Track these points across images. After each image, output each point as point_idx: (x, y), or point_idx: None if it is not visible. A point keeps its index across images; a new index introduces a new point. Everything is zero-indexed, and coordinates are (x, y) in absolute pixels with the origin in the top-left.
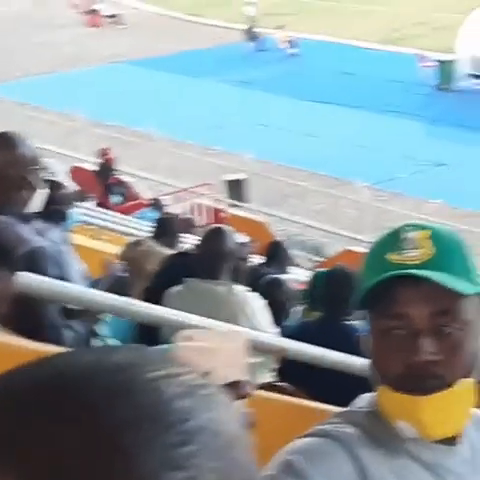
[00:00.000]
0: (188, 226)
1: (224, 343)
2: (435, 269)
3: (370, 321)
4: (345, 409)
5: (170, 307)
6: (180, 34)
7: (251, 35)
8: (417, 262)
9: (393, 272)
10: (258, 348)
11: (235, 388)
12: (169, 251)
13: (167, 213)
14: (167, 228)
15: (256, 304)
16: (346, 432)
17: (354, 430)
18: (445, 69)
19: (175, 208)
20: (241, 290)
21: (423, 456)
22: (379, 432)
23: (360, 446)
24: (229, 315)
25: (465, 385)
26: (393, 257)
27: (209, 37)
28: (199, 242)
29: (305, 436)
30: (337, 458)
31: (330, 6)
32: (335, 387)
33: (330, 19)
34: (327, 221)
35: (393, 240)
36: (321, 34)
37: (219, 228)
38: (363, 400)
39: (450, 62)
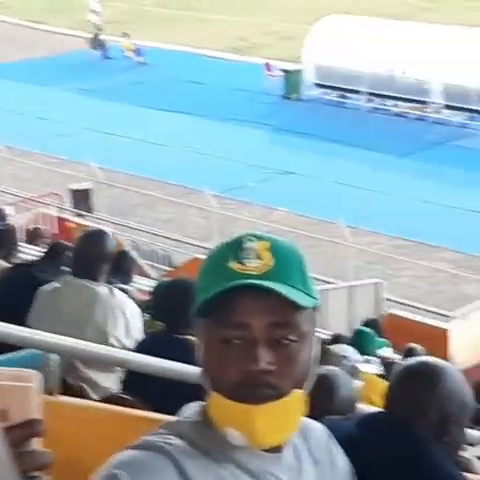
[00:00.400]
0: (37, 236)
1: (17, 382)
2: (275, 280)
3: (207, 329)
4: (171, 420)
5: (44, 303)
6: (24, 41)
7: (97, 43)
8: (258, 272)
9: (237, 282)
10: (100, 361)
11: (29, 427)
12: (5, 263)
13: (5, 224)
14: (2, 239)
15: (134, 308)
16: (172, 444)
17: (180, 441)
18: (291, 78)
19: (19, 218)
20: (121, 293)
21: (250, 464)
22: (206, 442)
23: (186, 458)
24: (108, 315)
25: (297, 396)
26: (235, 266)
27: (54, 45)
28: (78, 243)
29: (131, 448)
30: (163, 472)
31: (176, 15)
32: (177, 398)
33: (177, 28)
34: (176, 230)
35: (235, 249)
36: (168, 43)
37: (100, 230)
38: (190, 409)
39: (296, 71)
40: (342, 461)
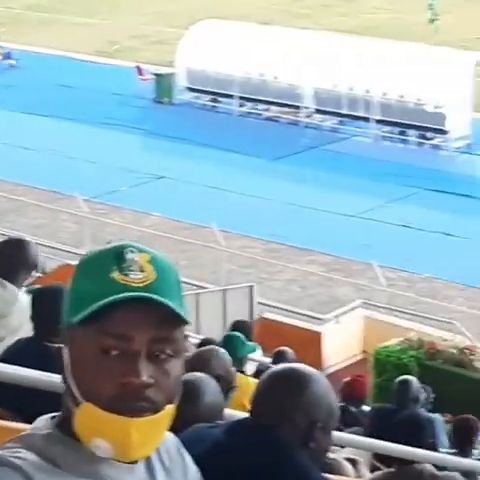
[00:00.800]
0: None
1: None
2: (158, 294)
3: (85, 339)
4: (22, 433)
5: None
6: None
7: None
8: (141, 285)
9: (132, 294)
10: None
11: None
12: None
13: None
14: None
15: None
16: (22, 457)
17: (31, 454)
18: (163, 82)
19: None
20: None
21: (107, 475)
22: (60, 454)
23: (38, 472)
24: (24, 320)
25: (169, 411)
26: (118, 277)
27: None
28: (1, 248)
29: None
30: None
31: (47, 18)
32: (42, 408)
33: (47, 31)
34: (47, 236)
35: (117, 260)
36: (39, 46)
37: (24, 239)
38: (42, 422)
39: (168, 75)
40: (193, 471)
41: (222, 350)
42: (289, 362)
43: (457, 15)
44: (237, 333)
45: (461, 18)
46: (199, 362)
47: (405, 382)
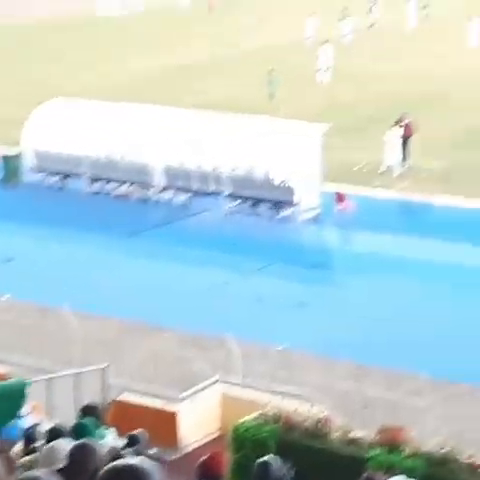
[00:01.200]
0: None
1: None
2: None
3: None
4: None
5: None
6: None
7: None
8: None
9: None
10: None
11: None
12: None
13: None
14: None
15: None
16: None
17: None
18: (10, 163)
19: None
20: None
21: None
22: None
23: None
24: None
25: None
26: None
27: None
28: None
29: None
30: None
31: None
32: None
33: None
34: None
35: None
36: None
37: None
38: None
39: (14, 156)
40: None
41: (98, 443)
42: (143, 445)
43: (297, 89)
44: (87, 419)
45: (300, 92)
46: (81, 455)
47: (264, 464)
